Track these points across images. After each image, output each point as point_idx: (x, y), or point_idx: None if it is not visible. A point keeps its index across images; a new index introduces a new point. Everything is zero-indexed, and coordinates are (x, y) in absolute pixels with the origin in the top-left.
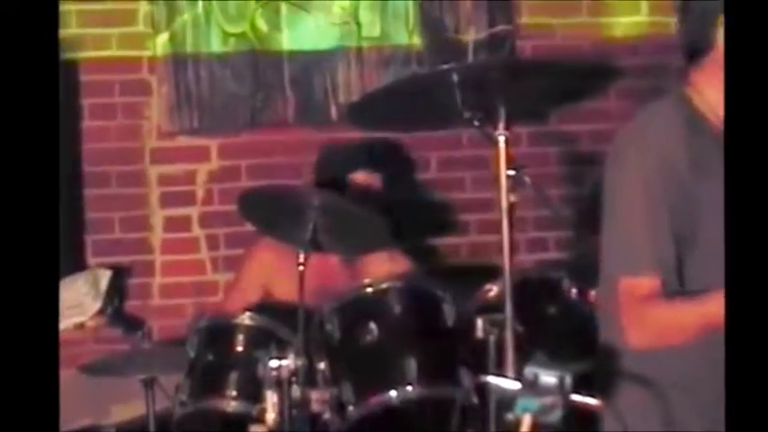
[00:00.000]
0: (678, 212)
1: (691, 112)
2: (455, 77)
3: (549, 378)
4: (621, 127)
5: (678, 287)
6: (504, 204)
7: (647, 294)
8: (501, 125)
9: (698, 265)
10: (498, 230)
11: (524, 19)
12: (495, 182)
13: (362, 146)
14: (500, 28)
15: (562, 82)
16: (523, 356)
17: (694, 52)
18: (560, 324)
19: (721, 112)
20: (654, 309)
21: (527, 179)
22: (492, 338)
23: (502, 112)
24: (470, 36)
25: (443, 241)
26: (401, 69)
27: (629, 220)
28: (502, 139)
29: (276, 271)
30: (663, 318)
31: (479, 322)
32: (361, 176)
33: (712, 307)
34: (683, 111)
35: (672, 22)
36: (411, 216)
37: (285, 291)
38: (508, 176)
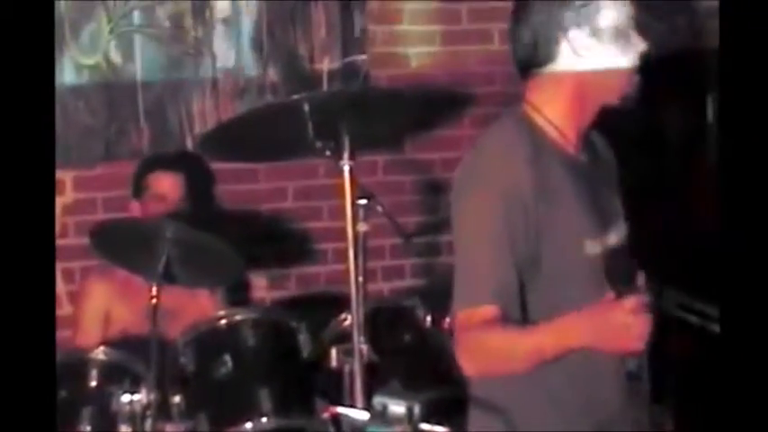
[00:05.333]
0: (521, 239)
1: (533, 132)
2: (306, 107)
3: (398, 408)
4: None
5: (520, 316)
6: (351, 233)
7: (480, 323)
8: (346, 155)
9: (541, 292)
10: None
11: (378, 48)
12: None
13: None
14: (354, 57)
15: (412, 111)
16: (378, 385)
17: (531, 68)
18: (415, 352)
19: (564, 129)
20: (485, 337)
21: (379, 208)
22: (347, 368)
23: (346, 142)
24: (325, 66)
25: (301, 270)
26: (256, 99)
27: (469, 251)
28: (347, 169)
29: (115, 298)
30: (493, 346)
31: (334, 352)
32: (160, 177)
33: (544, 337)
34: (524, 132)
35: None
36: (267, 245)
37: (126, 317)
38: (359, 205)
